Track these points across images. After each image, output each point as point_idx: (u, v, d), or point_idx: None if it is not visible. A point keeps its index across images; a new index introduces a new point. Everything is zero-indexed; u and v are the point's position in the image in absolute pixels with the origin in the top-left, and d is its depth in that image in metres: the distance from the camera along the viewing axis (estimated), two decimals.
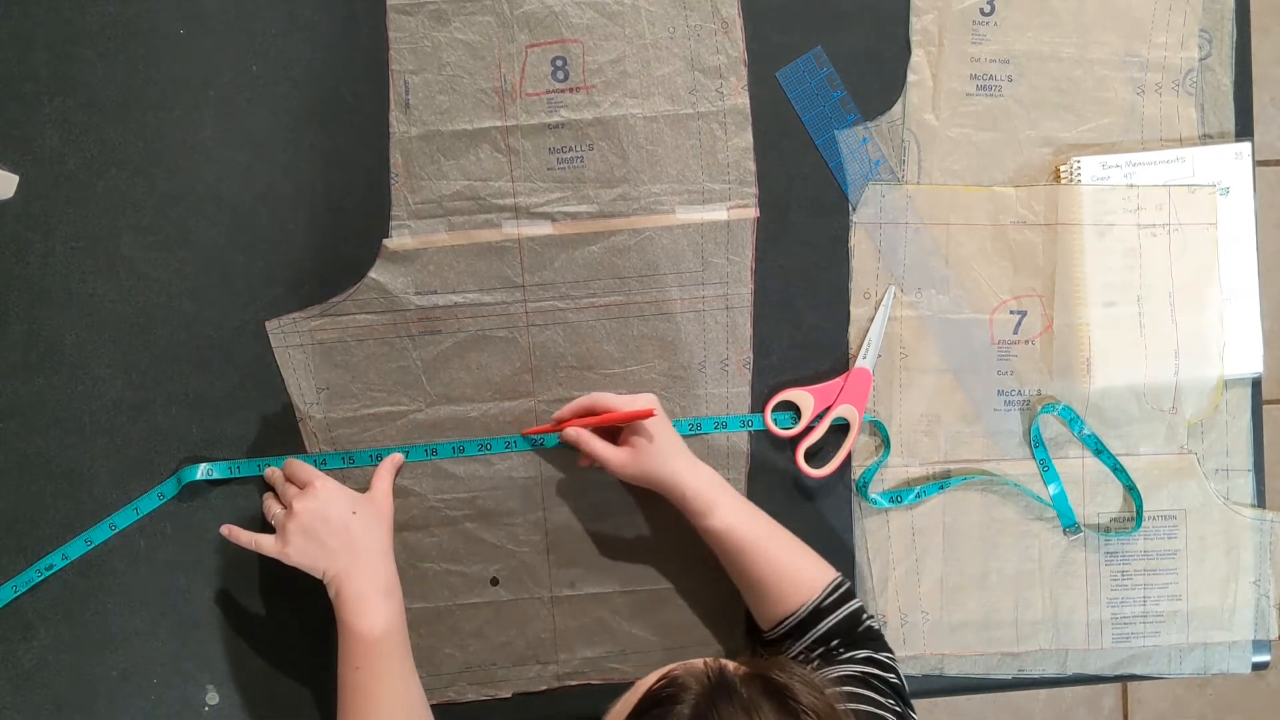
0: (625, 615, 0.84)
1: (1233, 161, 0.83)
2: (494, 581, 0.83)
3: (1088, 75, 0.83)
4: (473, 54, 0.80)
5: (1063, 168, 0.83)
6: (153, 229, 0.80)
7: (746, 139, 0.81)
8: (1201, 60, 0.83)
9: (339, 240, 0.81)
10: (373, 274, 0.80)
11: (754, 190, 0.82)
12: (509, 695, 0.83)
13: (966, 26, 0.82)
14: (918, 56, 0.82)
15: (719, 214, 0.82)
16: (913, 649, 0.85)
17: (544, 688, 0.84)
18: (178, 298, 0.80)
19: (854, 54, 0.82)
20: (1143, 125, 0.83)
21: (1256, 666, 0.87)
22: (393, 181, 0.80)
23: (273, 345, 0.81)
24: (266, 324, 0.81)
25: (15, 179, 0.79)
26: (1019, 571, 0.85)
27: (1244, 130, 0.84)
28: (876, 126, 0.82)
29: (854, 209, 0.83)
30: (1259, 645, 0.87)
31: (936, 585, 0.85)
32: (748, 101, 0.81)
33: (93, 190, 0.80)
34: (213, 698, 0.82)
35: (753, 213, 0.82)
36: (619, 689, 0.62)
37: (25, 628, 0.81)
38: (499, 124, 0.80)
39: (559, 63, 0.80)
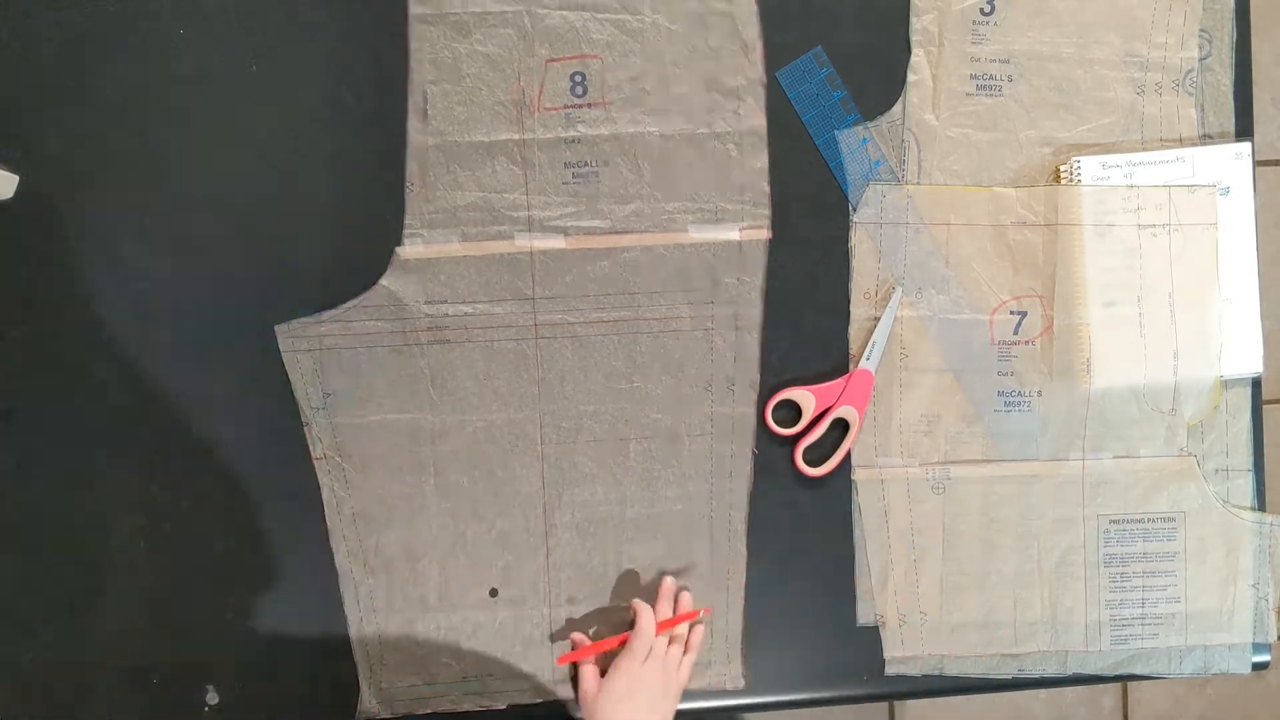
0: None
1: (1233, 161, 0.83)
2: (493, 593, 0.83)
3: (1088, 75, 0.83)
4: (492, 66, 0.79)
5: (1063, 168, 0.83)
6: (153, 229, 0.80)
7: (762, 160, 0.81)
8: (1201, 60, 0.83)
9: (341, 246, 0.80)
10: (384, 281, 0.80)
11: (767, 212, 0.82)
12: (504, 707, 0.83)
13: (966, 26, 0.82)
14: (918, 56, 0.82)
15: (731, 234, 0.82)
16: (912, 649, 0.85)
17: (540, 700, 0.83)
18: (178, 299, 0.80)
19: (854, 54, 0.82)
20: (1143, 125, 0.83)
21: (1256, 666, 0.87)
22: (408, 191, 0.80)
23: (281, 349, 0.81)
24: (276, 328, 0.80)
25: (15, 179, 0.79)
26: (1018, 572, 0.85)
27: (1244, 130, 0.84)
28: (876, 126, 0.82)
29: (854, 209, 0.83)
30: (1258, 646, 0.87)
31: (936, 585, 0.85)
32: (764, 123, 0.81)
33: (93, 190, 0.80)
34: (213, 698, 0.82)
35: (765, 234, 0.82)
36: None
37: (25, 628, 0.81)
38: (516, 137, 0.80)
39: (578, 78, 0.80)
